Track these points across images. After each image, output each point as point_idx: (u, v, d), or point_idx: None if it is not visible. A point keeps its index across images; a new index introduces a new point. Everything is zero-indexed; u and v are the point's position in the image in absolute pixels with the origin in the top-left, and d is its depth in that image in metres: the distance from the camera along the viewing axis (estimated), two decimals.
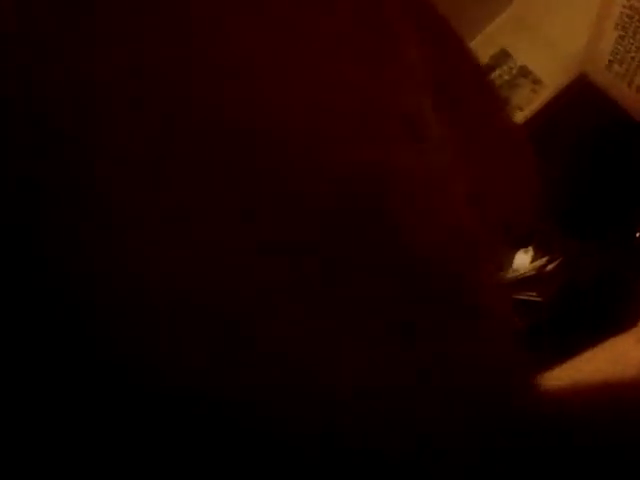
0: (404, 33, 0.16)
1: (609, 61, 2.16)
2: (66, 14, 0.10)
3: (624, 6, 1.95)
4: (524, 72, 2.66)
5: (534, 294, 1.83)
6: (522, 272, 1.97)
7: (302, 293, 0.11)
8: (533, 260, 2.07)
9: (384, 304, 0.12)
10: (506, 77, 2.69)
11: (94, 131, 0.10)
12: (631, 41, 2.01)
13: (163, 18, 0.11)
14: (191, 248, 0.10)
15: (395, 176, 0.13)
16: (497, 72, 2.72)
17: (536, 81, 2.55)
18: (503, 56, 2.70)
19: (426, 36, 0.19)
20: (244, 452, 0.11)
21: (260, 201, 0.11)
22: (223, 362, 0.11)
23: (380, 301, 0.12)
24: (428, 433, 0.13)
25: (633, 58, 2.04)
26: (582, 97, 2.28)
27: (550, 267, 1.80)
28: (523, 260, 2.14)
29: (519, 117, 2.60)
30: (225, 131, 0.11)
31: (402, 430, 0.12)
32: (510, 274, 2.12)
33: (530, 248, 2.14)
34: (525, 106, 2.57)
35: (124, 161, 0.10)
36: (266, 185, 0.11)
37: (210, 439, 0.11)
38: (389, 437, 0.12)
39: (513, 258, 2.23)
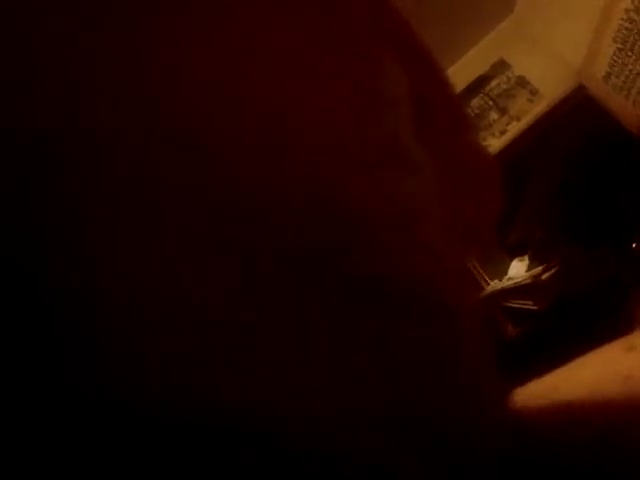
0: (381, 55, 0.16)
1: (607, 73, 2.18)
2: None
3: (623, 19, 1.97)
4: (522, 82, 2.68)
5: (530, 302, 1.84)
6: (517, 280, 1.98)
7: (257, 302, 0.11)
8: (529, 268, 2.08)
9: (349, 324, 0.12)
10: (504, 86, 2.71)
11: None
12: (629, 54, 2.04)
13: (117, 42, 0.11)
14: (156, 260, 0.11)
15: (368, 204, 0.13)
16: (495, 81, 2.74)
17: (534, 91, 2.57)
18: (501, 66, 2.72)
19: (403, 56, 0.19)
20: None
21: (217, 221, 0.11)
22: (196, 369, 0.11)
23: (345, 322, 0.12)
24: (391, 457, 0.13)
25: (631, 71, 2.06)
26: (579, 108, 2.30)
27: (546, 276, 1.81)
28: (519, 268, 2.15)
29: (516, 127, 2.62)
30: (182, 144, 0.11)
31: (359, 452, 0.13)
32: (505, 282, 2.12)
33: (526, 257, 2.15)
34: (522, 116, 2.59)
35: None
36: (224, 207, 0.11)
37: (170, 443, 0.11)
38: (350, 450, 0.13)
39: (508, 266, 2.24)
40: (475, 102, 2.63)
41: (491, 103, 2.64)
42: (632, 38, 1.99)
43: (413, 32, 0.19)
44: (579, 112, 2.30)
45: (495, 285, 2.20)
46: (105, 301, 0.10)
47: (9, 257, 0.10)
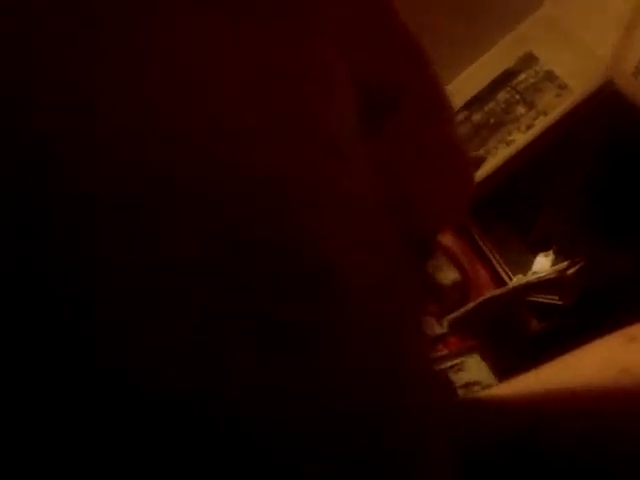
0: (325, 43, 0.16)
1: (636, 69, 2.15)
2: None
3: None
4: (550, 76, 2.65)
5: (555, 297, 1.84)
6: (542, 275, 1.97)
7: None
8: (554, 264, 2.06)
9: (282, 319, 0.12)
10: (532, 80, 2.68)
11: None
12: None
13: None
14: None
15: (304, 190, 0.13)
16: (522, 75, 2.71)
17: (562, 86, 2.54)
18: (529, 59, 2.69)
19: (362, 37, 0.18)
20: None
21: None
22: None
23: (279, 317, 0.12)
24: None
25: None
26: (608, 104, 2.27)
27: (571, 271, 1.80)
28: (543, 263, 2.14)
29: (543, 121, 2.59)
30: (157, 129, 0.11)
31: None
32: (530, 277, 2.12)
33: (551, 252, 2.14)
34: (550, 111, 2.56)
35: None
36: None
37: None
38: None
39: (532, 262, 2.23)
40: (501, 96, 2.61)
41: (518, 97, 2.61)
42: None
43: (392, 15, 0.19)
44: (607, 107, 2.28)
45: (519, 280, 2.19)
46: (105, 299, 0.10)
47: (7, 259, 0.10)
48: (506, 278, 2.29)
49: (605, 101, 2.30)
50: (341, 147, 0.15)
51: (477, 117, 2.60)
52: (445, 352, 2.04)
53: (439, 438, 0.15)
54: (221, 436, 0.11)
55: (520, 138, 2.51)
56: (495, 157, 2.48)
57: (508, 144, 2.51)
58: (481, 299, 2.04)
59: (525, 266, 2.25)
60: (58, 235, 0.10)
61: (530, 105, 2.58)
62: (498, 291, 2.13)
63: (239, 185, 0.12)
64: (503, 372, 1.89)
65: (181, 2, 0.12)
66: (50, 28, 0.10)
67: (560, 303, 1.79)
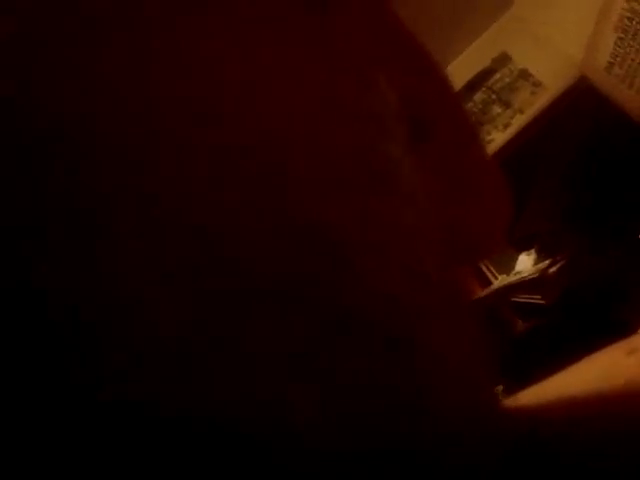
0: (374, 73, 0.16)
1: (609, 63, 2.16)
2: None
3: (624, 8, 1.95)
4: (524, 75, 2.66)
5: (537, 297, 1.83)
6: (525, 275, 1.97)
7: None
8: (536, 262, 2.07)
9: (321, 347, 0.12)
10: (507, 80, 2.70)
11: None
12: (631, 43, 2.02)
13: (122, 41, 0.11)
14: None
15: (355, 229, 0.13)
16: (498, 75, 2.72)
17: (536, 84, 2.56)
18: (504, 59, 2.71)
19: (397, 66, 0.18)
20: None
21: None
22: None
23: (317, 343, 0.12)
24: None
25: (633, 60, 2.05)
26: (582, 99, 2.28)
27: (553, 269, 1.80)
28: (526, 262, 2.14)
29: (520, 120, 2.61)
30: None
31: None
32: (512, 277, 2.12)
33: (533, 251, 2.15)
34: (525, 109, 2.58)
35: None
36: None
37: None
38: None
39: (516, 261, 2.23)
40: (478, 96, 2.62)
41: (494, 97, 2.63)
42: (633, 27, 1.97)
43: (415, 43, 0.19)
44: (582, 103, 2.29)
45: (503, 280, 2.20)
46: (107, 302, 0.10)
47: (5, 261, 0.10)
48: (492, 278, 2.29)
49: (579, 97, 2.31)
50: (402, 185, 0.15)
51: None
52: None
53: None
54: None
55: (498, 137, 2.52)
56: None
57: (488, 143, 2.52)
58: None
59: (509, 265, 2.26)
60: (56, 240, 0.10)
61: (506, 104, 2.60)
62: (484, 292, 2.12)
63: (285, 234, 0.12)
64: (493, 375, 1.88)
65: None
66: (50, 28, 0.11)
67: (543, 302, 1.79)
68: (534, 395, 0.28)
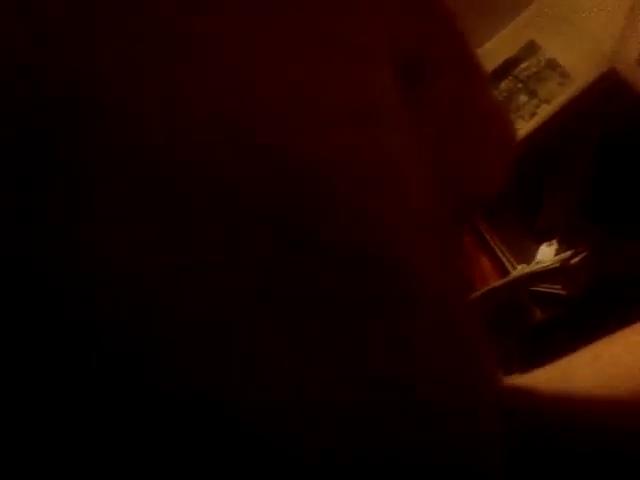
0: (367, 13, 0.16)
1: None
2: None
3: None
4: (552, 65, 2.63)
5: (558, 287, 1.84)
6: (546, 264, 1.97)
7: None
8: (557, 253, 2.06)
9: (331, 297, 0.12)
10: (534, 69, 2.67)
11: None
12: None
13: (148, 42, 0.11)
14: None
15: (345, 161, 0.13)
16: (525, 64, 2.69)
17: (564, 74, 2.53)
18: (531, 48, 2.67)
19: (399, 6, 0.18)
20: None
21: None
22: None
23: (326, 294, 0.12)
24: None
25: None
26: (611, 92, 2.26)
27: (575, 260, 1.80)
28: (547, 253, 2.13)
29: (546, 110, 2.58)
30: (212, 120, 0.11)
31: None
32: (533, 266, 2.12)
33: (554, 241, 2.14)
34: (552, 99, 2.55)
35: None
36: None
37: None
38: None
39: (536, 251, 2.23)
40: (504, 85, 2.60)
41: (520, 86, 2.60)
42: None
43: None
44: (611, 95, 2.26)
45: (522, 269, 2.19)
46: (106, 295, 0.10)
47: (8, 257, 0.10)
48: (510, 268, 2.28)
49: (608, 89, 2.28)
50: (387, 120, 0.14)
51: None
52: None
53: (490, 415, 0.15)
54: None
55: (523, 127, 2.50)
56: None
57: None
58: (484, 289, 2.05)
59: (529, 255, 2.25)
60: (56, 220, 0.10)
61: (532, 94, 2.57)
62: (501, 281, 2.13)
63: (289, 170, 0.12)
64: (506, 362, 1.90)
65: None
66: (114, 27, 0.11)
67: (563, 293, 1.79)
68: (540, 377, 0.28)
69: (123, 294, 0.10)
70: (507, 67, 2.61)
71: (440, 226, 0.16)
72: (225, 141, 0.11)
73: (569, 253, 1.89)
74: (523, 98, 2.59)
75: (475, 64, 0.20)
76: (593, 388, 0.25)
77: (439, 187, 0.16)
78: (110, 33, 0.11)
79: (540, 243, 2.20)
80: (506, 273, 2.26)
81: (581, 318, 1.57)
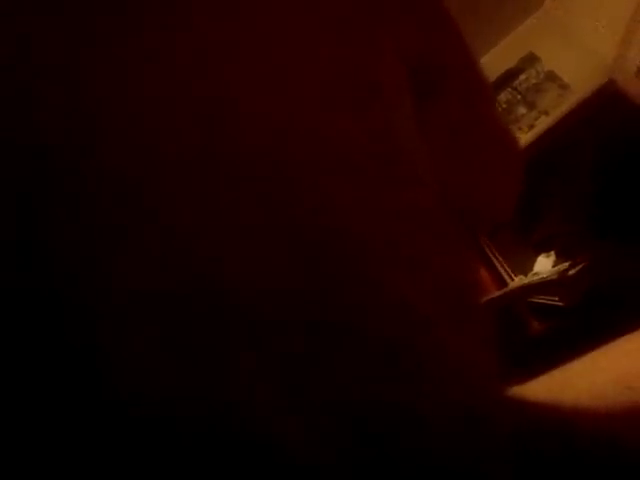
0: (380, 36, 0.16)
1: (638, 68, 2.14)
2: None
3: None
4: (552, 76, 2.64)
5: (556, 299, 1.83)
6: (544, 276, 1.97)
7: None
8: (555, 265, 2.06)
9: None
10: (533, 81, 2.68)
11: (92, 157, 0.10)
12: None
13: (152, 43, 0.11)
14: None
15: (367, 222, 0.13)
16: (524, 75, 2.70)
17: (563, 86, 2.54)
18: (531, 59, 2.69)
19: (409, 19, 0.18)
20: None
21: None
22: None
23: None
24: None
25: None
26: (610, 103, 2.27)
27: (573, 272, 1.80)
28: (545, 264, 2.13)
29: (545, 121, 2.59)
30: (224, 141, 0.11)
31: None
32: (531, 277, 2.11)
33: (552, 253, 2.14)
34: (551, 110, 2.56)
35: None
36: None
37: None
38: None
39: (534, 262, 2.23)
40: (503, 96, 2.61)
41: (519, 97, 2.61)
42: None
43: (435, 3, 0.18)
44: (610, 107, 2.27)
45: (520, 280, 2.19)
46: (104, 301, 0.10)
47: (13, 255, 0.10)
48: (507, 279, 2.28)
49: (607, 101, 2.29)
50: (402, 139, 0.14)
51: None
52: None
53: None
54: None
55: (522, 138, 2.50)
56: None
57: None
58: (482, 300, 2.04)
59: (526, 267, 2.25)
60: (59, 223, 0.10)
61: (531, 105, 2.58)
62: (499, 292, 2.12)
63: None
64: (504, 372, 1.88)
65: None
66: (99, 28, 0.11)
67: (561, 304, 1.79)
68: (538, 387, 0.28)
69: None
70: (506, 78, 2.62)
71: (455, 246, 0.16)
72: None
73: (567, 265, 1.89)
74: (522, 110, 2.60)
75: (480, 79, 0.21)
76: (590, 398, 0.25)
77: (450, 204, 0.16)
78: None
79: (538, 254, 2.20)
80: (504, 284, 2.26)
81: (578, 329, 1.56)
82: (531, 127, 2.54)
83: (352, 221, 0.12)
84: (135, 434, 0.10)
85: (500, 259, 2.27)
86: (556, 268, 1.97)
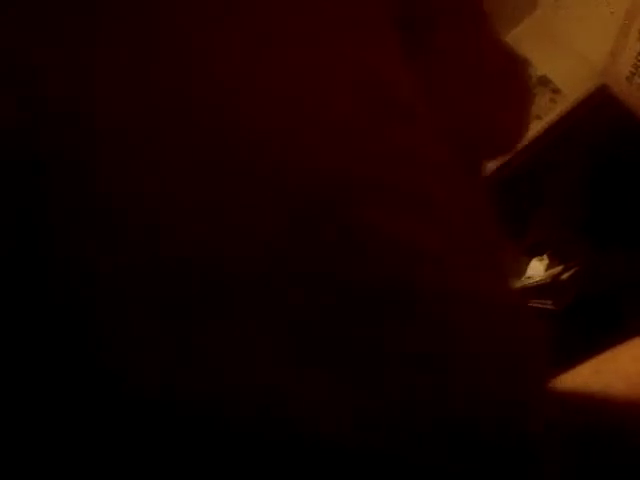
0: None
1: (630, 73, 2.16)
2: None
3: None
4: (544, 81, 2.66)
5: (548, 302, 1.83)
6: (536, 280, 1.98)
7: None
8: (548, 268, 2.07)
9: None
10: None
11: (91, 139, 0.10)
12: None
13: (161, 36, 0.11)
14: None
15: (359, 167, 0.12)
16: None
17: (556, 90, 2.55)
18: None
19: None
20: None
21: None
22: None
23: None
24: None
25: None
26: (602, 108, 2.28)
27: (565, 275, 1.80)
28: (537, 268, 2.14)
29: (537, 125, 2.60)
30: (213, 131, 0.11)
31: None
32: (524, 281, 2.12)
33: (545, 256, 2.15)
34: (544, 115, 2.57)
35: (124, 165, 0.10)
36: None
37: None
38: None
39: (527, 266, 2.23)
40: None
41: None
42: None
43: None
44: (602, 112, 2.28)
45: (513, 284, 2.19)
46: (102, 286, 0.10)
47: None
48: None
49: (599, 105, 2.30)
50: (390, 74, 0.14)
51: None
52: None
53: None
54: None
55: None
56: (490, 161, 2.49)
57: None
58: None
59: (519, 271, 2.26)
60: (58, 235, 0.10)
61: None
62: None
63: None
64: None
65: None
66: (114, 31, 0.10)
67: (554, 308, 1.79)
68: (568, 382, 0.28)
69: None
70: None
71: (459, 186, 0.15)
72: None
73: (560, 268, 1.90)
74: None
75: (475, 6, 0.19)
76: (602, 400, 0.25)
77: (455, 139, 0.16)
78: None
79: (531, 258, 2.21)
80: None
81: (571, 333, 1.57)
82: None
83: (336, 164, 0.12)
84: (134, 412, 0.10)
85: None
86: (549, 272, 1.98)
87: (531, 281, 2.01)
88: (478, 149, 0.18)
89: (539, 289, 1.90)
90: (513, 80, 0.19)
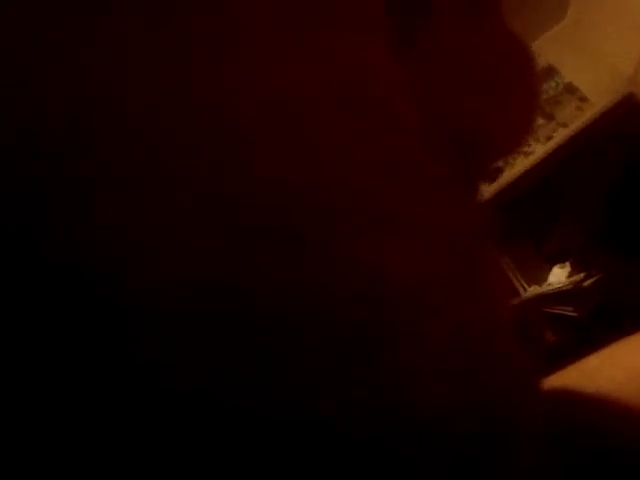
0: None
1: None
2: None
3: None
4: (570, 89, 2.64)
5: (570, 309, 1.83)
6: (558, 286, 1.97)
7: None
8: (570, 275, 2.06)
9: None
10: (552, 93, 2.67)
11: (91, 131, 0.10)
12: None
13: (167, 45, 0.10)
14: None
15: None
16: (543, 87, 2.70)
17: (582, 98, 2.53)
18: (550, 71, 2.68)
19: None
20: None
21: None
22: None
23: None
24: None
25: None
26: (628, 117, 2.26)
27: (587, 283, 1.80)
28: (559, 275, 2.13)
29: (562, 133, 2.58)
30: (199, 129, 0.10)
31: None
32: (545, 288, 2.11)
33: (567, 264, 2.13)
34: (570, 123, 2.55)
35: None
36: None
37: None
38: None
39: (548, 273, 2.22)
40: None
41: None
42: None
43: None
44: (628, 121, 2.27)
45: (534, 290, 2.19)
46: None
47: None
48: (521, 289, 2.28)
49: (626, 115, 2.29)
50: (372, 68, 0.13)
51: None
52: None
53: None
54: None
55: (539, 149, 2.50)
56: (513, 168, 2.48)
57: (527, 155, 2.50)
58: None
59: (540, 277, 2.24)
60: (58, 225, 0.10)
61: (549, 117, 2.57)
62: (512, 302, 2.11)
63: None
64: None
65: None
66: (145, 44, 0.10)
67: (575, 315, 1.78)
68: (570, 377, 0.28)
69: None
70: None
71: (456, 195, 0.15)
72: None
73: (582, 275, 1.89)
74: (540, 120, 2.59)
75: None
76: (607, 392, 0.25)
77: (452, 142, 0.15)
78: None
79: (553, 265, 2.20)
80: (517, 294, 2.25)
81: (592, 340, 1.56)
82: (549, 138, 2.53)
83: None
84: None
85: (514, 269, 2.27)
86: (571, 279, 1.97)
87: (552, 288, 2.00)
88: (478, 150, 0.17)
89: (560, 296, 1.90)
90: (518, 74, 0.17)
